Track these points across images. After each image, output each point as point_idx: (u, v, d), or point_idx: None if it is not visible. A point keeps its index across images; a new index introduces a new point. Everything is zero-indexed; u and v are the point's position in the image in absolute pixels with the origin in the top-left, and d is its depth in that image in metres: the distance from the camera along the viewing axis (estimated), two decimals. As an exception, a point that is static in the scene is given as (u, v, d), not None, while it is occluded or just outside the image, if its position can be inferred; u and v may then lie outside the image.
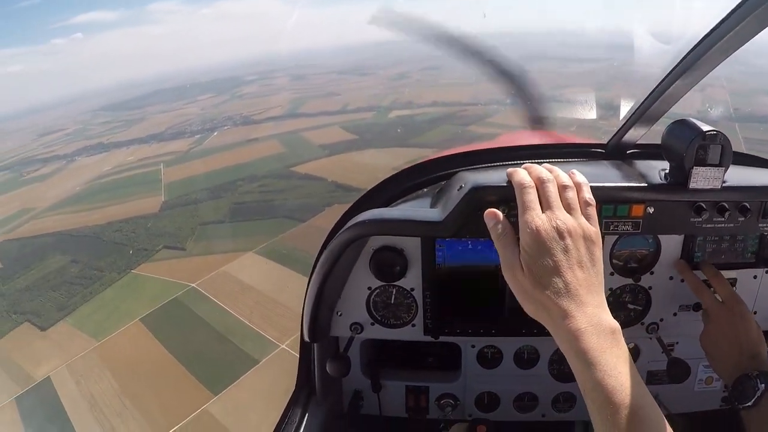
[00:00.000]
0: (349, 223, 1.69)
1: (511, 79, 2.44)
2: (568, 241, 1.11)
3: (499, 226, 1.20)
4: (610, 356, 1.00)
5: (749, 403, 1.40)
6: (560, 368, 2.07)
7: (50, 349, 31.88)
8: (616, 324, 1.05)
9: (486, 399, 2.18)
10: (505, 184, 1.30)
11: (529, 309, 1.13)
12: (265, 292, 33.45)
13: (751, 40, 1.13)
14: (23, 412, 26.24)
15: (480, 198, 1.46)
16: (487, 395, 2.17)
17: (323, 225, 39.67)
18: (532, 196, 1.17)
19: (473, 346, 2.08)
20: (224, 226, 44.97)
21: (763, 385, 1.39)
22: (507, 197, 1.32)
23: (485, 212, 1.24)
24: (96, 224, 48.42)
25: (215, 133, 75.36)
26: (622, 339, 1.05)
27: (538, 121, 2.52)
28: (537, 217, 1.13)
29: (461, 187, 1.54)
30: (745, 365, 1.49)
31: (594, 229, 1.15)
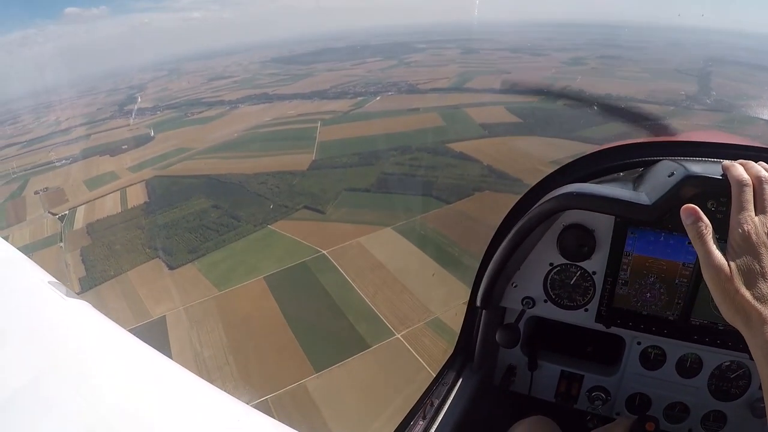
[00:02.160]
0: (553, 194, 1.77)
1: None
2: None
3: (701, 224, 1.21)
4: None
5: None
6: (719, 384, 2.05)
7: (173, 289, 34.24)
8: None
9: (638, 400, 2.17)
10: (720, 177, 1.36)
11: (726, 312, 1.16)
12: (395, 274, 33.00)
13: None
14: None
15: (692, 187, 1.50)
16: (640, 396, 2.16)
17: (468, 210, 39.07)
18: (749, 196, 1.21)
19: (639, 343, 2.07)
20: (368, 196, 45.23)
21: None
22: (719, 191, 1.42)
23: (683, 207, 1.24)
24: (243, 173, 51.32)
25: (378, 98, 76.45)
26: None
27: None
28: (751, 219, 1.17)
29: (672, 174, 1.58)
30: None
31: None
